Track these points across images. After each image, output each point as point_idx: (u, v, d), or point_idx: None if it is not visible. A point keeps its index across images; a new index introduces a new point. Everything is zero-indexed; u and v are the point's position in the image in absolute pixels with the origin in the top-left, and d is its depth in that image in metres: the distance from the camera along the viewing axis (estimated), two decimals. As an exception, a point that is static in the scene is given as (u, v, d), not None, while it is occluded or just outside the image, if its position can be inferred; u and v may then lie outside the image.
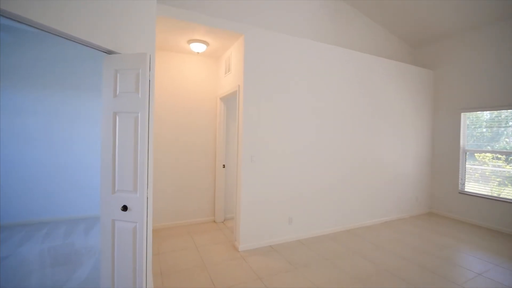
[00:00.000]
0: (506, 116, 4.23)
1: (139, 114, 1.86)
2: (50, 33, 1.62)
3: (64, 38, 1.66)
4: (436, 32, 4.87)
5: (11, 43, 3.93)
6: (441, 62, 5.06)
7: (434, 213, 5.09)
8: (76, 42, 1.74)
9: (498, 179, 4.31)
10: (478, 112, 4.53)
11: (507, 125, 4.23)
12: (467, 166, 4.68)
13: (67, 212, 4.31)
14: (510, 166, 4.18)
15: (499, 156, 4.30)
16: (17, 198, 4.04)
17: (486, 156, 4.47)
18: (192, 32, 3.22)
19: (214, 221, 4.29)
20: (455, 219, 4.74)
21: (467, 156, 4.68)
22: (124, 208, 1.86)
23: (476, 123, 4.61)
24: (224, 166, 4.25)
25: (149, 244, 2.12)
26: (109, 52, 1.92)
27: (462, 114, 4.71)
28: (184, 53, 4.02)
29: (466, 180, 4.68)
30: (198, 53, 3.59)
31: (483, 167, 4.51)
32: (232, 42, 3.53)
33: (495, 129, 4.39)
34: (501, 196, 4.24)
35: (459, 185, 4.70)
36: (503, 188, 4.24)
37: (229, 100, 4.41)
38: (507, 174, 4.21)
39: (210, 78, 4.25)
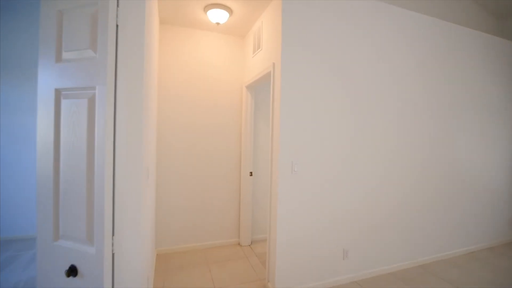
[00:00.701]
0: None
1: (97, 91, 0.96)
2: None
3: None
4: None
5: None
6: (542, 35, 3.72)
7: (532, 239, 3.76)
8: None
9: None
10: None
11: None
12: None
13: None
14: None
15: None
16: (14, 208, 3.41)
17: None
18: (209, -9, 2.32)
19: (239, 244, 3.37)
20: None
21: None
22: (71, 271, 0.98)
23: None
24: (251, 174, 3.32)
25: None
26: (50, -20, 1.05)
27: None
28: (199, 28, 3.14)
29: None
30: (218, 24, 2.70)
31: None
32: (264, 6, 2.58)
33: None
34: None
35: None
36: None
37: (259, 88, 3.47)
38: None
39: (234, 62, 3.33)
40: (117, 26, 0.99)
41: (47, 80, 1.03)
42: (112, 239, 0.97)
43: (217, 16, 2.63)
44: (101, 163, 0.93)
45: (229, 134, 3.33)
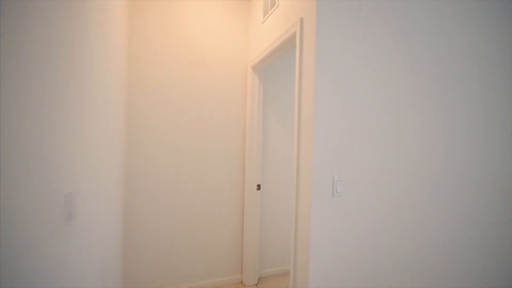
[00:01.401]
0: None
1: None
2: None
3: None
4: None
5: None
6: None
7: None
8: None
9: None
10: None
11: None
12: None
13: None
14: None
15: None
16: None
17: None
18: None
19: (242, 283, 2.48)
20: None
21: None
22: None
23: None
24: (259, 187, 2.43)
25: None
26: None
27: None
28: (189, -16, 2.23)
29: None
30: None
31: None
32: None
33: None
34: None
35: None
36: None
37: (269, 68, 2.58)
38: None
39: (236, 34, 2.43)
40: None
41: None
42: None
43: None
44: None
45: (229, 132, 2.43)
